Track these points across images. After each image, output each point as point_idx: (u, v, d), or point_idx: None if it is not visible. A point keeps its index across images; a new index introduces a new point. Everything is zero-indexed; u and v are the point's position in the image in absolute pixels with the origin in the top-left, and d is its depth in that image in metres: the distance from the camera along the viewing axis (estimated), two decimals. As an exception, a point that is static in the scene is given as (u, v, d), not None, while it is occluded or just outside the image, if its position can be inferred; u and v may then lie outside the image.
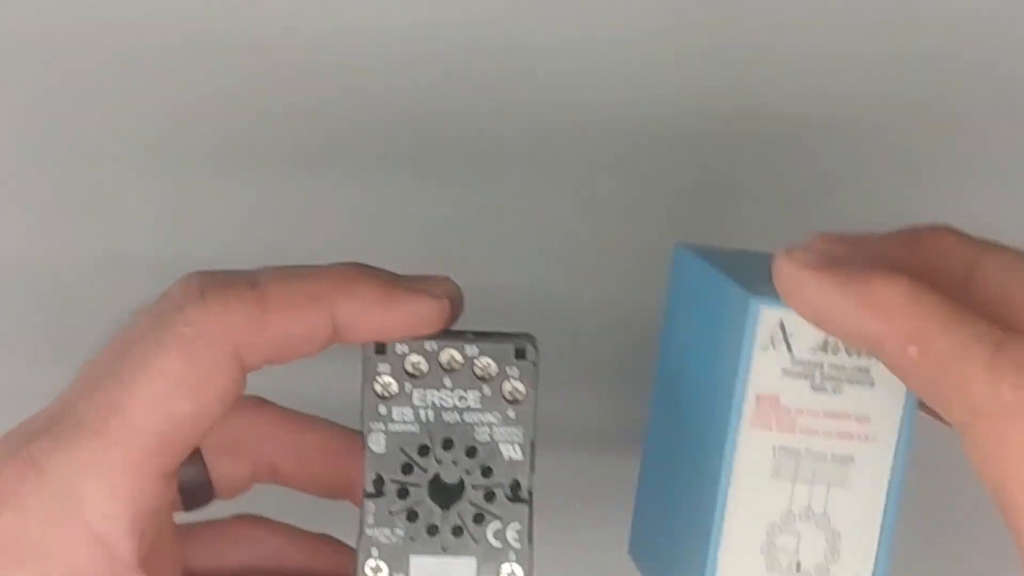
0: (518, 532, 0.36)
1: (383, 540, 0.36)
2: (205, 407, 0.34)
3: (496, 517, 0.36)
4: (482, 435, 0.36)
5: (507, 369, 0.36)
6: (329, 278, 0.35)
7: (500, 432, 0.36)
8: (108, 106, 0.47)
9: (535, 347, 0.36)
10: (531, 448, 0.36)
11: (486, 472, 0.36)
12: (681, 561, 0.37)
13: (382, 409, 0.36)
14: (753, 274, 0.37)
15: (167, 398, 0.33)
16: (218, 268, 0.37)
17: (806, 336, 0.35)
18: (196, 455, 0.39)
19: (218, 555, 0.40)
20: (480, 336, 0.36)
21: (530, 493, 0.36)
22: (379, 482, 0.36)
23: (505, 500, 0.36)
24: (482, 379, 0.36)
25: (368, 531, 0.36)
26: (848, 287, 0.32)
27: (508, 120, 0.48)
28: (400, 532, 0.36)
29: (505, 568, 0.36)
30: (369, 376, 0.36)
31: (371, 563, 0.36)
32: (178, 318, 0.33)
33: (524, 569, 0.36)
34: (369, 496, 0.36)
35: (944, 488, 0.47)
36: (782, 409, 0.35)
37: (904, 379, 0.33)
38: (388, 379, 0.36)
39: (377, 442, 0.36)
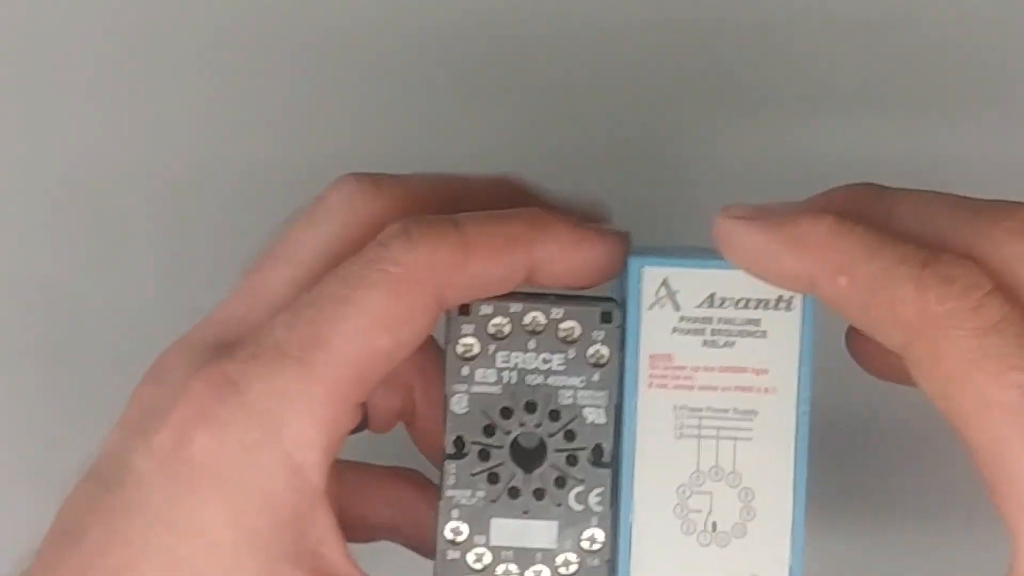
0: (600, 496, 0.36)
1: (464, 502, 0.36)
2: (402, 343, 0.35)
3: (579, 481, 0.36)
4: (566, 398, 0.36)
5: (592, 333, 0.36)
6: (525, 220, 0.35)
7: (584, 395, 0.36)
8: (111, 110, 0.49)
9: (621, 311, 0.36)
10: (615, 412, 0.36)
11: (569, 436, 0.36)
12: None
13: (464, 370, 0.36)
14: (661, 249, 0.37)
15: (370, 333, 0.34)
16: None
17: (692, 293, 0.35)
18: None
19: (367, 507, 0.40)
20: (563, 299, 0.36)
21: (613, 457, 0.36)
22: (459, 443, 0.36)
23: (588, 464, 0.36)
24: (566, 342, 0.36)
25: (449, 492, 0.36)
26: (776, 230, 0.34)
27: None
28: (481, 494, 0.36)
29: (586, 532, 0.36)
30: (453, 337, 0.36)
31: (452, 525, 0.36)
32: (384, 255, 0.34)
33: (606, 533, 0.36)
34: (450, 457, 0.36)
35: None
36: (677, 367, 0.35)
37: (841, 311, 0.33)
38: (471, 340, 0.36)
39: (459, 403, 0.36)
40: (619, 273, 0.36)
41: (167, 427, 0.34)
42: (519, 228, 0.35)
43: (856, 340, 0.39)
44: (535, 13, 0.49)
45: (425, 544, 0.37)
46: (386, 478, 0.40)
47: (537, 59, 0.49)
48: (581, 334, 0.36)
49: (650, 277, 0.35)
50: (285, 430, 0.34)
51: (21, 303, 0.50)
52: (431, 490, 0.39)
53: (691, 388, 0.35)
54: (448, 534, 0.36)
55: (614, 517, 0.36)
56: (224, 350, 0.35)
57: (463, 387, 0.36)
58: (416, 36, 0.49)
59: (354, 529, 0.39)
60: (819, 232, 0.33)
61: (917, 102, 0.48)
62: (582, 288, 0.36)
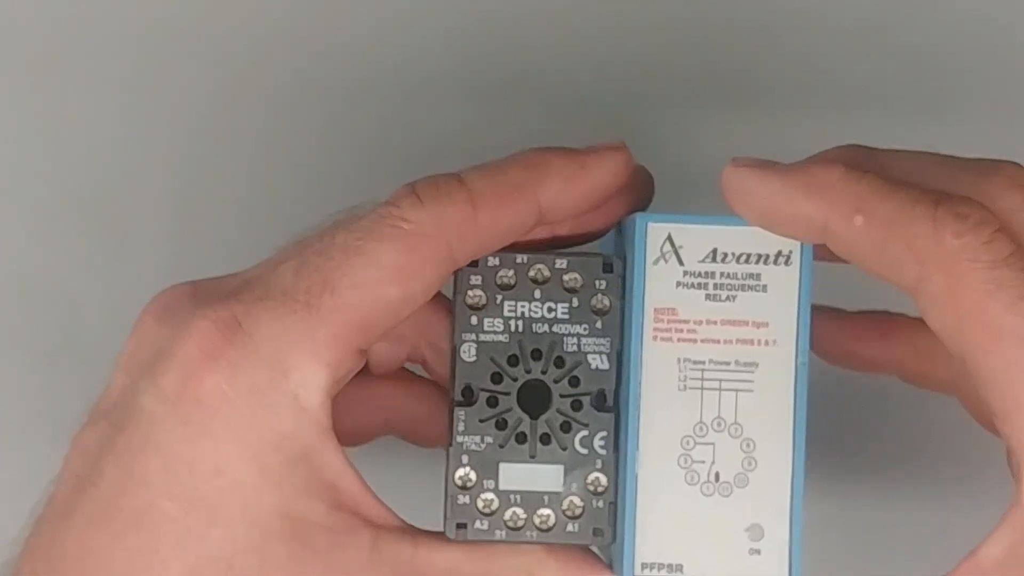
0: (604, 440, 0.37)
1: (473, 448, 0.37)
2: (411, 296, 0.36)
3: (583, 425, 0.37)
4: (570, 345, 0.37)
5: (595, 282, 0.37)
6: (525, 164, 0.36)
7: (588, 342, 0.37)
8: (111, 110, 0.50)
9: (622, 261, 0.37)
10: (617, 358, 0.37)
11: (574, 381, 0.37)
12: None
13: (473, 320, 0.37)
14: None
15: (378, 282, 0.35)
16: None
17: (695, 247, 0.36)
18: None
19: (362, 412, 0.40)
20: (565, 251, 0.38)
21: (615, 402, 0.37)
22: (468, 391, 0.37)
23: (592, 409, 0.37)
24: (570, 291, 0.37)
25: (459, 439, 0.37)
26: (790, 177, 0.35)
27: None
28: (490, 440, 0.37)
29: (591, 475, 0.37)
30: (461, 288, 0.37)
31: (461, 471, 0.37)
32: (394, 212, 0.35)
33: (608, 476, 0.37)
34: (459, 405, 0.37)
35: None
36: (680, 321, 0.36)
37: (853, 253, 0.34)
38: (479, 292, 0.37)
39: (468, 352, 0.37)
40: (629, 186, 0.37)
41: (174, 367, 0.35)
42: (520, 173, 0.36)
43: (815, 328, 0.40)
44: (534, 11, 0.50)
45: (418, 435, 0.40)
46: (374, 381, 0.41)
47: (533, 55, 0.50)
48: (584, 283, 0.37)
49: (654, 232, 0.36)
50: (291, 372, 0.35)
51: (20, 302, 0.50)
52: (418, 385, 0.41)
53: (694, 341, 0.36)
54: (458, 479, 0.37)
55: (617, 460, 0.37)
56: (231, 294, 0.36)
57: (471, 336, 0.37)
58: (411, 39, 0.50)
59: (353, 435, 0.40)
60: (833, 177, 0.34)
61: (912, 101, 0.50)
62: (596, 212, 0.37)
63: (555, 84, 0.50)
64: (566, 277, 0.37)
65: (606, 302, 0.37)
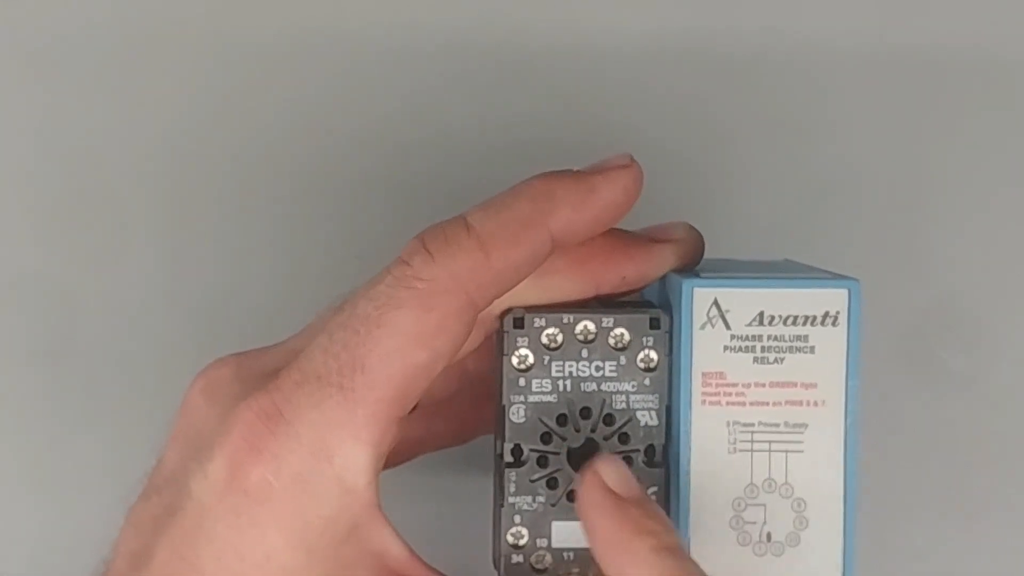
0: (655, 494, 0.37)
1: (525, 508, 0.37)
2: (440, 353, 0.35)
3: None
4: (619, 403, 0.37)
5: (642, 339, 0.37)
6: (531, 196, 0.36)
7: (636, 399, 0.37)
8: (111, 109, 0.49)
9: (669, 316, 0.37)
10: (666, 414, 0.37)
11: (623, 439, 0.37)
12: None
13: (521, 381, 0.37)
14: (704, 269, 0.38)
15: (404, 350, 0.35)
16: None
17: (742, 311, 0.36)
18: None
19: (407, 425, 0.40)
20: (612, 307, 0.37)
21: (665, 457, 0.37)
22: (518, 451, 0.37)
23: (642, 465, 0.37)
24: (617, 349, 0.37)
25: (511, 499, 0.37)
26: None
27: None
28: (541, 499, 0.37)
29: None
30: (509, 350, 0.37)
31: (513, 530, 0.37)
32: (408, 273, 0.35)
33: None
34: (509, 466, 0.37)
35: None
36: (729, 384, 0.36)
37: None
38: (525, 352, 0.37)
39: (516, 413, 0.37)
40: (679, 242, 0.38)
41: (221, 456, 0.35)
42: (528, 207, 0.36)
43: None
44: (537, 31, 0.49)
45: (460, 437, 0.41)
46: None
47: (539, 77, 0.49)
48: (631, 340, 0.37)
49: (700, 297, 0.36)
50: (335, 457, 0.35)
51: (20, 302, 0.49)
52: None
53: (743, 404, 0.36)
54: (510, 538, 0.37)
55: (668, 515, 0.36)
56: (271, 377, 0.36)
57: (520, 398, 0.37)
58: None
59: (399, 452, 0.39)
60: None
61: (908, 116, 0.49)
62: (643, 267, 0.37)
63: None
64: (613, 334, 0.37)
65: (654, 358, 0.37)
